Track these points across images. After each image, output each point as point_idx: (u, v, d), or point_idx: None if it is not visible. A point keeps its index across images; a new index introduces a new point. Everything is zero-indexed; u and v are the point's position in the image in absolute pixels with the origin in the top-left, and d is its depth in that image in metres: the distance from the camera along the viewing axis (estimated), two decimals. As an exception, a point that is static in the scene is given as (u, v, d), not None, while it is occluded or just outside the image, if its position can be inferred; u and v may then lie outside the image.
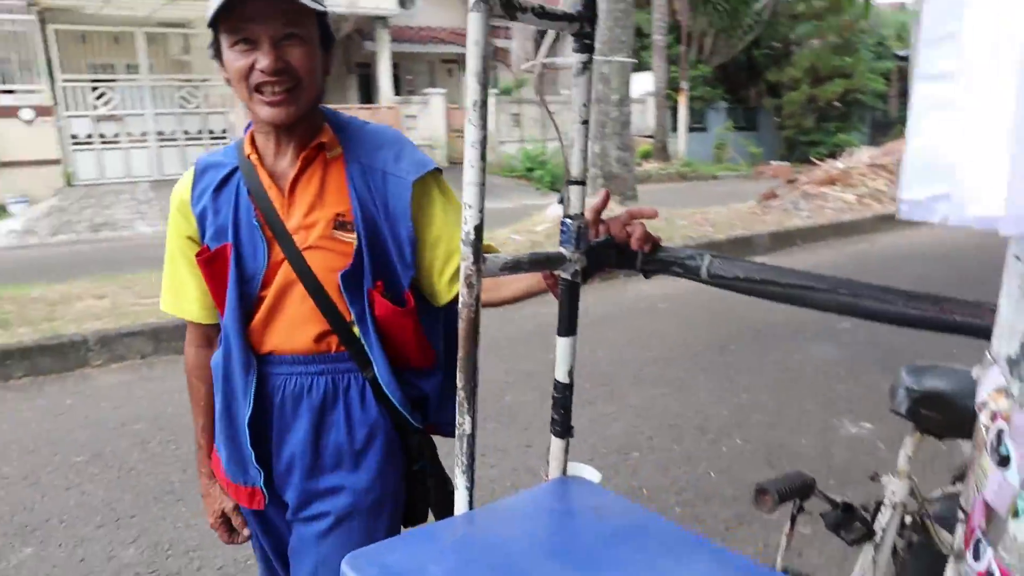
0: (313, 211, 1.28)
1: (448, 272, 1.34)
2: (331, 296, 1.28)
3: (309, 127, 1.29)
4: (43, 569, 2.60)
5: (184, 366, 1.50)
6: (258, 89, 1.20)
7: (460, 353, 1.08)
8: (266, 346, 1.32)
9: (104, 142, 13.42)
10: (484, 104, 1.00)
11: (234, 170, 1.31)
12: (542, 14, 1.12)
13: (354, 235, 1.27)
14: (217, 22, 1.19)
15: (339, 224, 1.27)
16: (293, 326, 1.30)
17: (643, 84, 18.74)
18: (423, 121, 16.25)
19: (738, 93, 22.97)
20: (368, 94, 18.57)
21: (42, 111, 12.64)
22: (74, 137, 13.15)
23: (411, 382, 1.37)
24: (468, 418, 1.09)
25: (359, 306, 1.28)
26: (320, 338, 1.30)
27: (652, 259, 1.16)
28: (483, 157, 1.01)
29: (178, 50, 14.85)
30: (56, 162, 12.83)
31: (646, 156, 18.13)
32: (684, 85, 19.56)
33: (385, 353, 1.31)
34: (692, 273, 1.12)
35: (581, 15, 1.17)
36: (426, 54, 19.20)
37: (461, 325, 1.07)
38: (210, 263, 1.30)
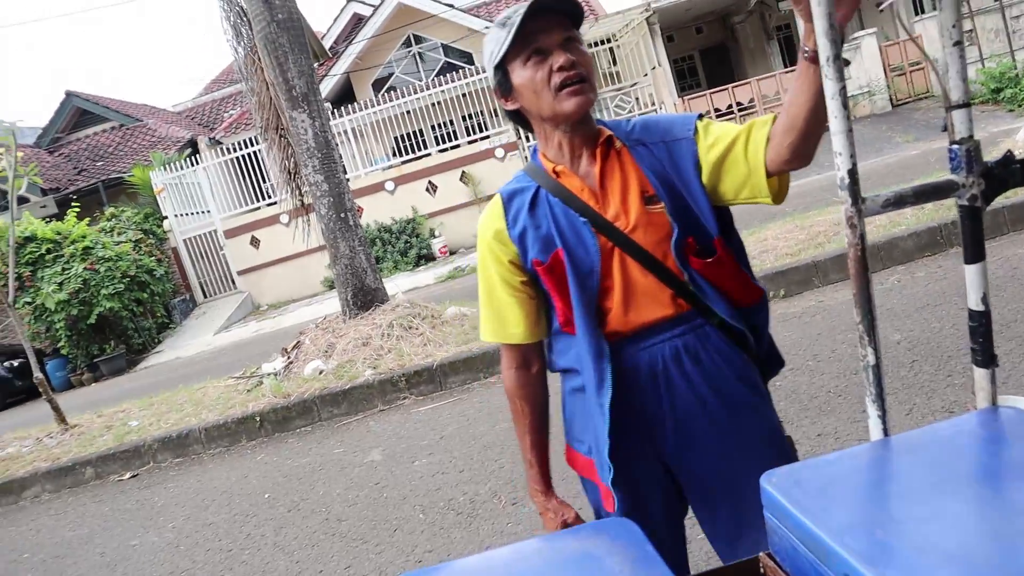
0: (625, 195, 1.41)
1: (745, 158, 1.35)
2: (664, 263, 1.40)
3: (591, 130, 1.45)
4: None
5: (506, 390, 1.59)
6: (560, 87, 1.37)
7: (854, 289, 1.15)
8: (630, 326, 1.42)
9: (559, 162, 15.26)
10: (838, 57, 1.07)
11: (536, 190, 1.46)
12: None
13: (661, 204, 1.40)
14: (504, 58, 1.39)
15: (647, 199, 1.41)
16: (646, 300, 1.41)
17: None
18: (855, 68, 15.04)
19: None
20: (792, 56, 17.88)
21: (509, 147, 14.91)
22: (536, 163, 15.25)
23: (745, 318, 1.47)
24: (870, 349, 1.15)
25: (687, 265, 1.40)
26: (671, 303, 1.41)
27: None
28: (845, 106, 1.08)
29: (607, 63, 16.17)
30: (525, 188, 15.04)
31: None
32: None
33: (721, 297, 1.43)
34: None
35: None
36: (851, -3, 17.72)
37: (851, 264, 1.15)
38: (551, 271, 1.42)
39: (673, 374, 1.43)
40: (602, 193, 1.43)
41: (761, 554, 1.07)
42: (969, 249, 1.17)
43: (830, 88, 1.08)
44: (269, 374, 6.54)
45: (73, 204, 14.69)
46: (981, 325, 1.19)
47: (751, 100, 15.41)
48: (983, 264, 1.17)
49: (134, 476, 5.80)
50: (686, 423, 1.44)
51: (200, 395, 7.09)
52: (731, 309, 1.44)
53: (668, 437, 1.45)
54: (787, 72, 15.50)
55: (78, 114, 21.40)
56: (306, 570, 3.38)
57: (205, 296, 16.66)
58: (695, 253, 1.41)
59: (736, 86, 15.78)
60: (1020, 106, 12.43)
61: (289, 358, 6.71)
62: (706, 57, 22.32)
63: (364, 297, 6.88)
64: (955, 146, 1.13)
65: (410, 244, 14.91)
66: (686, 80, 22.09)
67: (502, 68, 1.42)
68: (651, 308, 1.41)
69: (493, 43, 1.41)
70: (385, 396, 5.66)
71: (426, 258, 14.86)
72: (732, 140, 1.38)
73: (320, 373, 6.13)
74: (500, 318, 1.51)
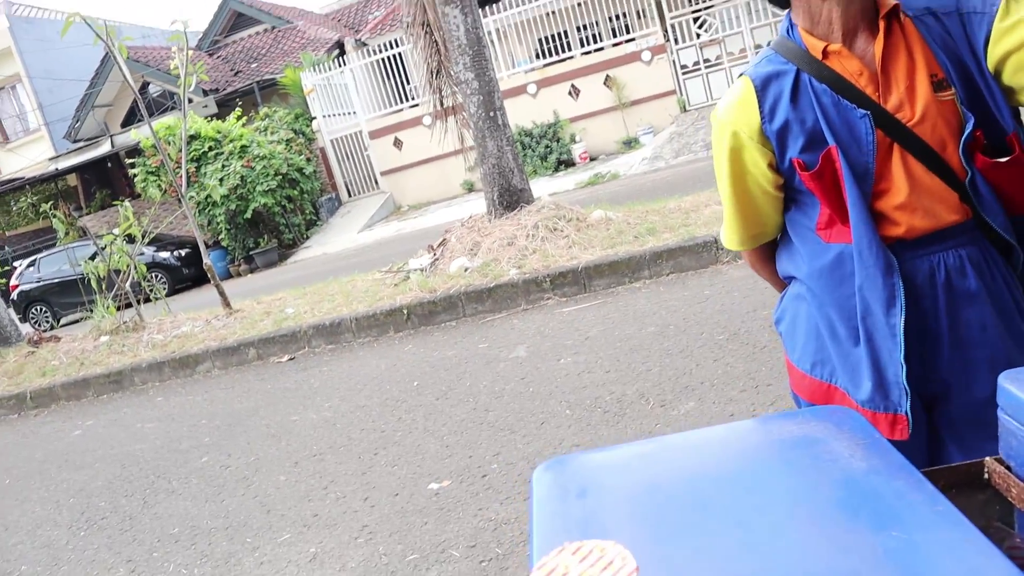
0: (912, 80, 1.18)
1: None
2: (949, 163, 1.19)
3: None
4: (703, 419, 3.15)
5: (758, 273, 1.55)
6: None
7: None
8: (914, 232, 1.23)
9: (708, 66, 14.50)
10: None
11: (797, 74, 1.23)
12: None
13: (951, 90, 1.17)
14: None
15: (936, 85, 1.17)
16: (933, 202, 1.21)
17: None
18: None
19: None
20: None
21: (656, 50, 14.32)
22: (683, 67, 14.57)
23: (1020, 230, 1.25)
24: None
25: (971, 163, 1.19)
26: (958, 206, 1.21)
27: None
28: None
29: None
30: (671, 93, 14.45)
31: None
32: None
33: (1001, 204, 1.21)
34: None
35: None
36: None
37: None
38: (820, 176, 1.22)
39: (956, 288, 1.23)
40: (884, 78, 1.19)
41: (988, 458, 0.97)
42: None
43: None
44: (416, 270, 6.73)
45: (238, 105, 15.45)
46: None
47: None
48: None
49: (292, 359, 6.21)
50: (964, 347, 1.24)
51: (349, 287, 7.43)
52: (1005, 219, 1.22)
53: (941, 360, 1.25)
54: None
55: (234, 17, 22.27)
56: (456, 454, 3.50)
57: (350, 195, 17.31)
58: (982, 150, 1.18)
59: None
60: None
61: (435, 255, 6.87)
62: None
63: (510, 197, 6.88)
64: None
65: (550, 149, 14.78)
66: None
67: None
68: (938, 212, 1.21)
69: None
70: (529, 295, 5.71)
71: (566, 163, 14.71)
72: None
73: (465, 270, 6.24)
74: (757, 224, 1.40)
